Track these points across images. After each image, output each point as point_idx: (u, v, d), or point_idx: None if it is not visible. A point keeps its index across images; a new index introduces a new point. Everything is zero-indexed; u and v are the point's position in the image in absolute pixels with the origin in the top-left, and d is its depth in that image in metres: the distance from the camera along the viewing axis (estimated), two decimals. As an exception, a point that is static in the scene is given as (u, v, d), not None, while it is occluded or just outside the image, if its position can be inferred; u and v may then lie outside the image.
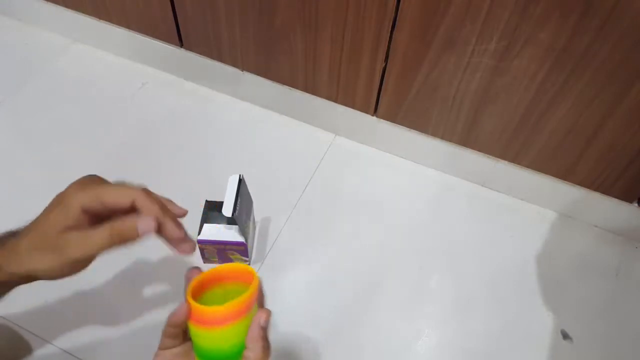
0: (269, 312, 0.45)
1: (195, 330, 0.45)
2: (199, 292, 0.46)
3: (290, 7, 0.81)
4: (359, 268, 0.85)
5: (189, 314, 0.44)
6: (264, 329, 0.45)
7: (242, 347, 0.45)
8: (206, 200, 0.79)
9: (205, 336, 0.45)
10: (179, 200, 0.50)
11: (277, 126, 1.02)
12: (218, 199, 0.76)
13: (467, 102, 0.82)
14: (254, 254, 0.85)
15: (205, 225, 0.76)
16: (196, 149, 0.97)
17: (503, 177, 0.92)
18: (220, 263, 0.82)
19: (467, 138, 0.89)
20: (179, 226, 0.48)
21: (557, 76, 0.72)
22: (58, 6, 1.07)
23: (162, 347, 0.47)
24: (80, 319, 0.77)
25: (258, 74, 0.97)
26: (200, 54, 1.00)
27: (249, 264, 0.83)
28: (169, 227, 0.47)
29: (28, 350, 0.73)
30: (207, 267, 0.47)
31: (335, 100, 0.94)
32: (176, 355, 0.46)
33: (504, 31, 0.70)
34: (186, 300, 0.45)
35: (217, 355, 0.45)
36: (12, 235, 0.48)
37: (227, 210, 0.72)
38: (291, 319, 0.79)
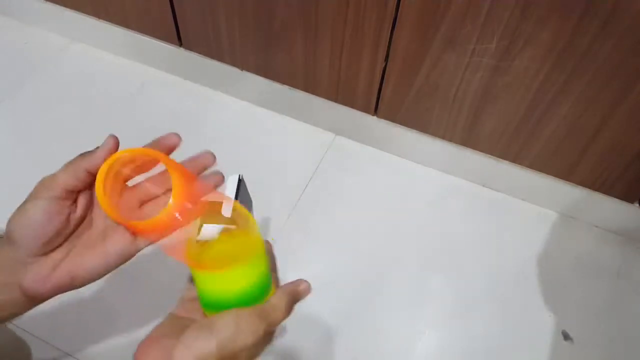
0: (309, 288, 0.44)
1: (195, 272, 0.41)
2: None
3: (290, 6, 0.81)
4: (359, 268, 0.85)
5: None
6: (298, 293, 0.43)
7: (249, 297, 0.41)
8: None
9: (206, 279, 0.41)
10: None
11: (277, 126, 1.02)
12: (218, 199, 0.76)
13: (467, 102, 0.82)
14: (253, 254, 0.85)
15: (205, 225, 0.76)
16: (195, 149, 0.97)
17: (503, 177, 0.92)
18: (220, 263, 0.82)
19: (467, 138, 0.89)
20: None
21: (558, 76, 0.72)
22: (58, 6, 1.07)
23: (185, 298, 0.44)
24: (80, 320, 0.76)
25: (258, 74, 0.97)
26: (200, 53, 1.00)
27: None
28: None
29: (28, 351, 0.73)
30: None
31: (335, 100, 0.94)
32: (199, 305, 0.43)
33: (504, 31, 0.69)
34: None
35: (220, 302, 0.41)
36: None
37: (226, 211, 0.72)
38: (291, 319, 0.79)
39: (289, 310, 0.42)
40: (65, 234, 0.42)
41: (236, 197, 0.74)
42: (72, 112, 1.01)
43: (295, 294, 0.43)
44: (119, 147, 0.44)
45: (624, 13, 0.62)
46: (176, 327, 0.41)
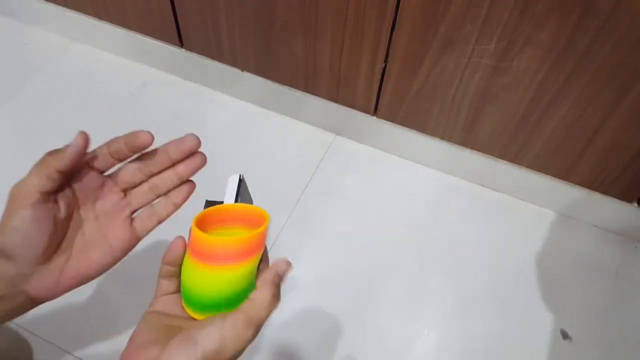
0: (289, 264, 0.40)
1: (193, 266, 0.39)
2: (201, 229, 0.40)
3: (290, 7, 0.81)
4: (358, 268, 0.85)
5: (188, 245, 0.39)
6: (280, 278, 0.40)
7: (240, 297, 0.39)
8: (206, 200, 0.78)
9: (205, 275, 0.38)
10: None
11: (277, 126, 1.02)
12: (218, 199, 0.76)
13: (466, 102, 0.82)
14: (254, 254, 0.85)
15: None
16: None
17: (503, 177, 0.92)
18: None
19: (467, 138, 0.89)
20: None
21: (557, 76, 0.72)
22: (58, 6, 1.07)
23: (159, 294, 0.42)
24: (81, 318, 0.77)
25: (258, 74, 0.97)
26: (201, 54, 1.00)
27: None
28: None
29: (29, 350, 0.73)
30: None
31: (335, 100, 0.94)
32: (177, 299, 0.42)
33: (503, 31, 0.70)
34: (190, 231, 0.38)
35: (211, 302, 0.39)
36: None
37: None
38: (291, 319, 0.79)
39: (274, 302, 0.39)
40: (58, 237, 0.41)
41: (237, 197, 0.74)
42: (73, 112, 1.02)
43: (276, 280, 0.40)
44: (89, 144, 0.42)
45: (623, 13, 0.62)
46: (158, 329, 0.40)
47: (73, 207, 0.43)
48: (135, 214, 0.46)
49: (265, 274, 0.39)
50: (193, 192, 0.47)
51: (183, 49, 1.01)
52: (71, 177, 0.42)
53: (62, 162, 0.40)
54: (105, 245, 0.43)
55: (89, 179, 0.44)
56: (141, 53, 1.08)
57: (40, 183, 0.39)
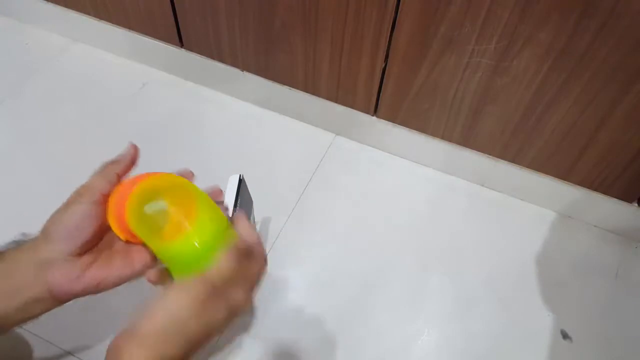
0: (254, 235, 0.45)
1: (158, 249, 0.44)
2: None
3: (290, 7, 0.81)
4: (359, 268, 0.85)
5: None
6: (245, 244, 0.44)
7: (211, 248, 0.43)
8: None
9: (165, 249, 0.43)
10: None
11: (277, 126, 1.02)
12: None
13: (466, 102, 0.82)
14: (254, 254, 0.85)
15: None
16: (196, 149, 0.98)
17: (503, 177, 0.93)
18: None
19: (466, 138, 0.89)
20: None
21: (557, 76, 0.72)
22: (58, 6, 1.07)
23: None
24: (80, 319, 0.77)
25: (258, 74, 0.97)
26: (201, 54, 1.00)
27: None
28: None
29: (28, 350, 0.73)
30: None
31: (335, 100, 0.94)
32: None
33: (503, 31, 0.70)
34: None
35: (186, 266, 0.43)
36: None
37: (228, 212, 0.72)
38: (291, 319, 0.79)
39: (233, 261, 0.42)
40: (96, 239, 0.45)
41: (237, 197, 0.74)
42: (73, 113, 1.02)
43: (239, 244, 0.43)
44: (139, 153, 0.48)
45: (623, 13, 0.62)
46: None
47: None
48: None
49: (231, 241, 0.44)
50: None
51: (183, 49, 1.01)
52: (123, 193, 0.47)
53: (120, 167, 0.46)
54: (127, 259, 0.46)
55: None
56: (141, 53, 1.08)
57: (102, 185, 0.44)
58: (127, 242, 0.46)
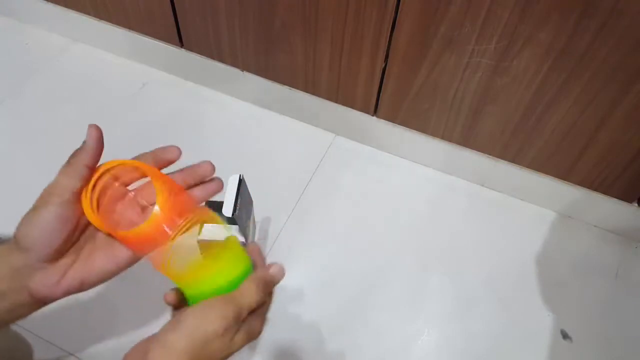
0: (280, 268, 0.45)
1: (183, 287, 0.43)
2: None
3: (290, 7, 0.81)
4: (358, 268, 0.85)
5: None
6: (271, 276, 0.44)
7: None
8: (206, 200, 0.79)
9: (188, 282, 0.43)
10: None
11: (277, 126, 1.02)
12: (218, 199, 0.76)
13: (466, 102, 0.82)
14: (254, 254, 0.85)
15: (206, 225, 0.76)
16: (196, 149, 0.97)
17: (503, 177, 0.93)
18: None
19: (466, 138, 0.89)
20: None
21: (557, 76, 0.72)
22: (58, 6, 1.07)
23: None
24: (81, 319, 0.77)
25: (258, 74, 0.97)
26: (201, 54, 1.00)
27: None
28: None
29: (29, 350, 0.73)
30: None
31: (335, 100, 0.94)
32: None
33: (503, 31, 0.70)
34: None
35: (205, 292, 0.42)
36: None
37: (227, 210, 0.72)
38: (291, 319, 0.79)
39: (260, 293, 0.42)
40: (73, 239, 0.42)
41: (237, 197, 0.75)
42: (73, 113, 1.02)
43: (267, 277, 0.44)
44: (102, 133, 0.44)
45: (622, 13, 0.62)
46: None
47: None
48: None
49: (256, 271, 0.44)
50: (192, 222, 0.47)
51: (183, 49, 1.01)
52: (96, 184, 0.43)
53: (88, 156, 0.41)
54: (110, 254, 0.44)
55: (112, 190, 0.45)
56: (141, 53, 1.08)
57: (71, 182, 0.41)
58: (109, 235, 0.43)
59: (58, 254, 0.41)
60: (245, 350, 0.76)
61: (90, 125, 0.43)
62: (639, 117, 0.72)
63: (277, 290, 0.84)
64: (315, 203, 0.92)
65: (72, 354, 0.74)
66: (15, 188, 0.90)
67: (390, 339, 0.78)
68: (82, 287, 0.43)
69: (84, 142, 0.42)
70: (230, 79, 1.02)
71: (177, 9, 0.93)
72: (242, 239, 0.76)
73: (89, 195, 0.41)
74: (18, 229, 0.41)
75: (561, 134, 0.80)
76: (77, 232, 0.43)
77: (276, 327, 0.78)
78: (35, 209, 0.41)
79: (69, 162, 0.42)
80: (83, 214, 0.42)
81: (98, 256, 0.43)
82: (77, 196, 0.41)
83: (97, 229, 0.44)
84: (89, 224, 0.43)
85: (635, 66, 0.66)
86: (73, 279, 0.42)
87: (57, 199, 0.40)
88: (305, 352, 0.76)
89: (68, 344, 0.74)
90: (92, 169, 0.42)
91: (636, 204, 0.86)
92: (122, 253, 0.44)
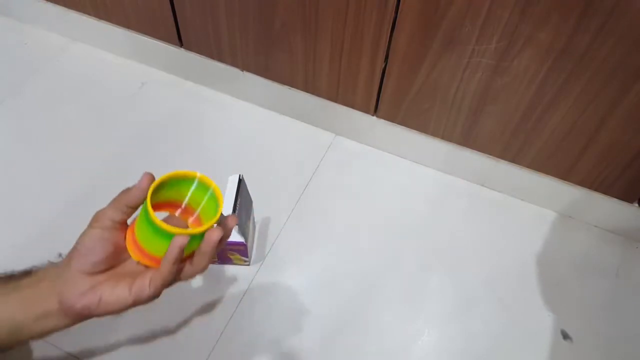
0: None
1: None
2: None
3: (290, 7, 0.81)
4: (358, 268, 0.85)
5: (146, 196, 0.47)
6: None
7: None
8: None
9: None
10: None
11: (277, 126, 1.02)
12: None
13: (466, 102, 0.82)
14: (254, 254, 0.85)
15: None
16: (196, 149, 0.97)
17: (503, 177, 0.93)
18: (220, 263, 0.82)
19: (467, 138, 0.89)
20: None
21: (557, 76, 0.72)
22: (58, 6, 1.07)
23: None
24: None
25: (258, 74, 0.97)
26: (200, 53, 1.00)
27: (249, 264, 0.83)
28: None
29: (28, 351, 0.73)
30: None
31: (335, 100, 0.94)
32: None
33: (504, 31, 0.70)
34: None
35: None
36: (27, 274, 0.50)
37: (227, 210, 0.73)
38: (291, 319, 0.79)
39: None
40: (111, 261, 0.49)
41: (236, 197, 0.75)
42: (73, 112, 1.02)
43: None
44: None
45: (623, 13, 0.62)
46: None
47: None
48: None
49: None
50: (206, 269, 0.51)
51: (183, 49, 1.01)
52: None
53: (130, 198, 0.48)
54: (130, 282, 0.48)
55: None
56: (141, 53, 1.08)
57: (113, 213, 0.49)
58: (138, 262, 0.49)
59: (95, 269, 0.48)
60: (245, 350, 0.76)
61: (146, 174, 0.49)
62: (639, 117, 0.72)
63: (277, 290, 0.84)
64: (315, 203, 0.92)
65: (71, 354, 0.74)
66: (16, 188, 0.90)
67: (390, 339, 0.78)
68: (98, 305, 0.47)
69: (136, 186, 0.48)
70: (230, 79, 1.02)
71: (176, 8, 0.93)
72: (242, 239, 0.76)
73: (131, 227, 0.50)
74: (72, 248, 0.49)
75: (561, 134, 0.80)
76: (116, 256, 0.49)
77: (276, 327, 0.78)
78: (85, 230, 0.49)
79: (117, 196, 0.49)
80: (122, 240, 0.49)
81: (121, 281, 0.48)
82: (116, 224, 0.49)
83: (135, 264, 0.50)
84: (128, 256, 0.50)
85: (635, 66, 0.66)
86: (94, 296, 0.47)
87: (100, 224, 0.48)
88: (305, 352, 0.76)
89: (67, 344, 0.74)
90: (134, 208, 0.49)
91: (636, 204, 0.86)
92: (136, 284, 0.47)
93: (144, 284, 0.47)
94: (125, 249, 0.49)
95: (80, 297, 0.47)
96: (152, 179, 0.48)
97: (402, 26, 0.75)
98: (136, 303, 0.48)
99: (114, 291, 0.47)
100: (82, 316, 0.48)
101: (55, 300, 0.47)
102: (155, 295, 0.48)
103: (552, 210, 0.94)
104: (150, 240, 0.47)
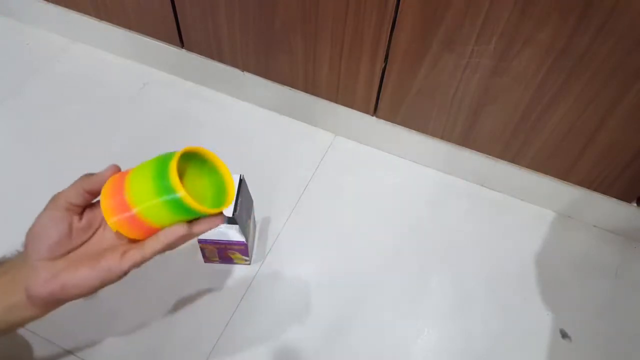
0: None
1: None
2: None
3: (290, 7, 0.81)
4: (358, 268, 0.85)
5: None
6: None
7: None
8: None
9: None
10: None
11: (277, 126, 1.02)
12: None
13: (466, 102, 0.82)
14: (254, 254, 0.85)
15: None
16: (196, 149, 0.97)
17: (502, 177, 0.93)
18: (221, 263, 0.83)
19: (466, 138, 0.89)
20: None
21: (557, 76, 0.72)
22: (58, 6, 1.07)
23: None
24: (81, 318, 0.77)
25: (258, 74, 0.97)
26: (201, 54, 1.00)
27: (250, 264, 0.83)
28: None
29: (28, 349, 0.73)
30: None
31: (335, 101, 0.94)
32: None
33: (503, 31, 0.70)
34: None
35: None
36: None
37: (227, 210, 0.73)
38: (291, 319, 0.79)
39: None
40: (68, 244, 0.47)
41: (237, 197, 0.75)
42: (73, 113, 1.02)
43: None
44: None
45: (622, 13, 0.62)
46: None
47: (95, 227, 0.49)
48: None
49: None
50: (186, 241, 0.50)
51: (183, 49, 1.01)
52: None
53: (90, 185, 0.47)
54: (93, 263, 0.46)
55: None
56: (141, 53, 1.08)
57: (70, 195, 0.47)
58: (118, 233, 0.47)
59: (52, 253, 0.46)
60: (244, 350, 0.76)
61: (112, 166, 0.49)
62: (639, 117, 0.72)
63: (278, 289, 0.84)
64: (315, 203, 0.92)
65: (71, 353, 0.74)
66: (16, 188, 0.90)
67: (390, 338, 0.78)
68: (63, 291, 0.46)
69: (98, 174, 0.48)
70: (230, 79, 1.02)
71: (177, 9, 0.93)
72: (242, 238, 0.76)
73: (107, 192, 0.47)
74: (26, 234, 0.47)
75: (561, 134, 0.80)
76: (73, 239, 0.47)
77: (276, 327, 0.78)
78: (41, 211, 0.47)
79: (77, 180, 0.48)
80: (76, 221, 0.47)
81: (82, 264, 0.46)
82: (73, 207, 0.47)
83: (97, 244, 0.48)
84: (88, 237, 0.48)
85: (635, 66, 0.67)
86: (57, 283, 0.45)
87: (53, 205, 0.47)
88: (305, 352, 0.76)
89: (67, 343, 0.74)
90: (93, 194, 0.48)
91: (635, 204, 0.86)
92: (102, 264, 0.46)
93: (114, 260, 0.45)
94: (83, 231, 0.48)
95: (43, 286, 0.45)
96: (117, 169, 0.48)
97: (402, 26, 0.76)
98: (105, 282, 0.46)
99: (77, 274, 0.45)
100: (50, 304, 0.47)
101: (22, 291, 0.46)
102: (127, 272, 0.46)
103: (551, 210, 0.94)
104: (159, 207, 0.45)
